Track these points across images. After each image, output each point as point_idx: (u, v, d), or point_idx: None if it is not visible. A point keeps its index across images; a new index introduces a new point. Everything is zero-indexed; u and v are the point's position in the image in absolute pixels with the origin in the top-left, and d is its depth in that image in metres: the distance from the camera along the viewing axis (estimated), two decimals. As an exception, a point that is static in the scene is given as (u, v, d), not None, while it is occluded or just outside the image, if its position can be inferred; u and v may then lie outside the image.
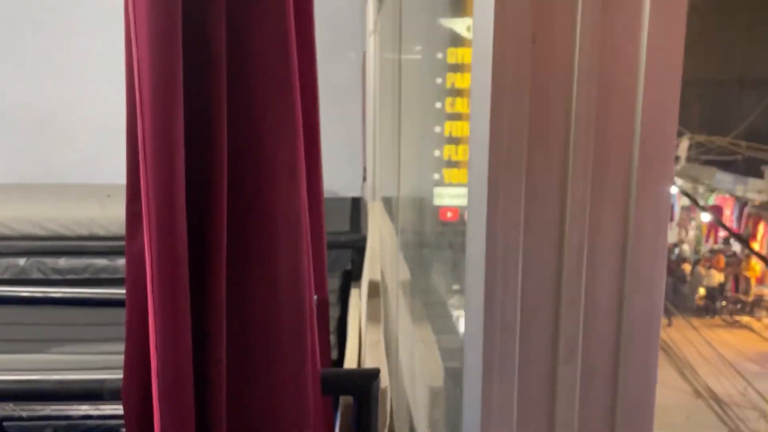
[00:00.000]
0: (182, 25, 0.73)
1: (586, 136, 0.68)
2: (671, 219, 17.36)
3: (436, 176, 5.10)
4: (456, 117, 4.94)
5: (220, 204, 0.83)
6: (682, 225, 17.30)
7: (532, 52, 0.66)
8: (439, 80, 4.78)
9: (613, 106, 0.68)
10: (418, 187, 4.39)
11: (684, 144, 9.86)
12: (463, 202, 5.32)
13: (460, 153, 5.08)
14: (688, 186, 16.99)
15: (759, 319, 14.07)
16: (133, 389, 0.83)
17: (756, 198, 14.79)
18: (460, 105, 4.92)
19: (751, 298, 14.34)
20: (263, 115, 0.87)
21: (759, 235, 14.54)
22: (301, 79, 0.95)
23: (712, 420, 5.69)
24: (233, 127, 0.84)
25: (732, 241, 15.86)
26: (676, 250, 16.92)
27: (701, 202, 16.45)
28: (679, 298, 14.21)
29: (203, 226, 0.81)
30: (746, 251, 14.90)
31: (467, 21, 4.68)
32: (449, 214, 5.18)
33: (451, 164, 5.10)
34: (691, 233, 17.22)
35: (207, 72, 0.81)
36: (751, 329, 13.40)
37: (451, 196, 5.15)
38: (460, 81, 4.80)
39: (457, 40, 4.67)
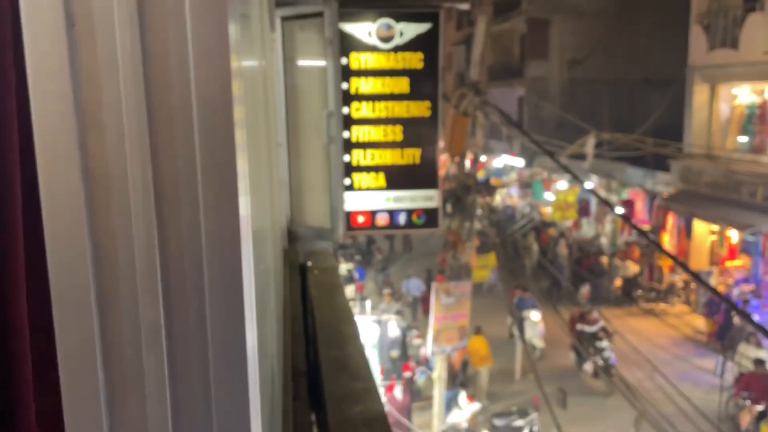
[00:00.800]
0: None
1: (138, 121, 0.70)
2: (588, 214, 18.12)
3: (347, 181, 5.08)
4: (363, 122, 4.94)
5: None
6: (599, 219, 18.10)
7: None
8: (344, 85, 4.76)
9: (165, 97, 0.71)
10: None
11: (591, 141, 10.30)
12: (375, 205, 5.30)
13: (372, 157, 5.08)
14: (602, 181, 17.82)
15: (672, 305, 14.90)
16: None
17: (664, 191, 15.67)
18: (367, 109, 4.91)
19: (664, 287, 15.16)
20: None
21: (668, 226, 15.42)
22: None
23: (623, 404, 5.97)
24: None
25: (647, 232, 16.72)
26: (596, 243, 17.69)
27: (615, 197, 17.29)
28: (600, 289, 14.84)
29: None
30: (659, 242, 15.74)
31: (367, 26, 4.67)
32: (361, 219, 5.17)
33: (361, 169, 5.09)
34: (608, 227, 18.04)
35: None
36: (664, 315, 14.16)
37: (362, 200, 5.13)
38: (365, 85, 4.80)
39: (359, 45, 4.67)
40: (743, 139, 14.46)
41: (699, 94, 15.33)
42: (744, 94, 14.66)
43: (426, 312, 13.66)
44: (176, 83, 0.72)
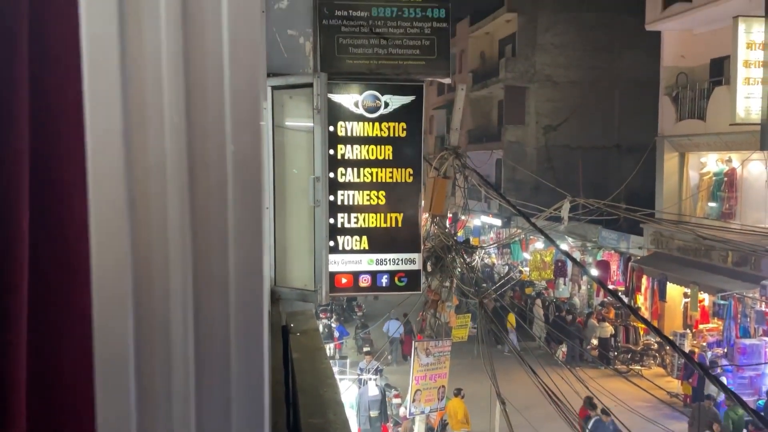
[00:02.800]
0: None
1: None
2: (564, 274, 18.39)
3: (332, 243, 5.22)
4: (348, 186, 5.13)
5: None
6: (575, 281, 18.37)
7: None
8: (331, 151, 4.98)
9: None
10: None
11: (566, 205, 10.62)
12: (358, 267, 5.43)
13: (356, 220, 5.25)
14: (578, 243, 18.19)
15: (648, 367, 15.02)
16: None
17: (637, 253, 16.05)
18: (352, 174, 5.12)
19: (639, 348, 15.31)
20: None
21: (642, 287, 15.71)
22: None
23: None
24: None
25: (621, 293, 16.98)
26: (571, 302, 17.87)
27: (590, 258, 17.63)
28: (575, 350, 14.92)
29: None
30: (633, 303, 15.98)
31: (354, 97, 4.93)
32: (344, 281, 5.29)
33: (346, 231, 5.25)
34: (584, 287, 18.30)
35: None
36: (640, 377, 14.22)
37: (345, 262, 5.27)
38: (351, 152, 5.02)
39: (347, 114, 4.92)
40: (712, 205, 15.00)
41: (669, 162, 15.96)
42: (712, 163, 15.31)
43: (406, 354, 13.99)
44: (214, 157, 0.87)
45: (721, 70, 14.79)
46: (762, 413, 10.32)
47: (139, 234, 0.85)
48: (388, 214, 5.25)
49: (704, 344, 13.48)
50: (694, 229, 11.10)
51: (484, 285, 16.85)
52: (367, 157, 5.09)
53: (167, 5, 0.85)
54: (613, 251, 17.11)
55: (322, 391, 3.07)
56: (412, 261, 5.42)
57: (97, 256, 0.81)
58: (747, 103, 12.63)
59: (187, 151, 0.87)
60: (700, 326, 14.45)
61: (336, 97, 4.97)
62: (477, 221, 24.81)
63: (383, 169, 5.12)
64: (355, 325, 17.06)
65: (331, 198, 5.00)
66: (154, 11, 0.84)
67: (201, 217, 0.88)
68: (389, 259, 5.36)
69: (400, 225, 5.29)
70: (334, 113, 4.94)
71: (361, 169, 5.11)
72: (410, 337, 14.13)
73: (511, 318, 14.78)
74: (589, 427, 9.82)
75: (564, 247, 17.22)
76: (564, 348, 14.23)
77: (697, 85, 15.23)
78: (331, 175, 4.93)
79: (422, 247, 5.69)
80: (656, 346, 15.27)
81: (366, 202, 5.13)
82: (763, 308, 12.42)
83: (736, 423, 10.36)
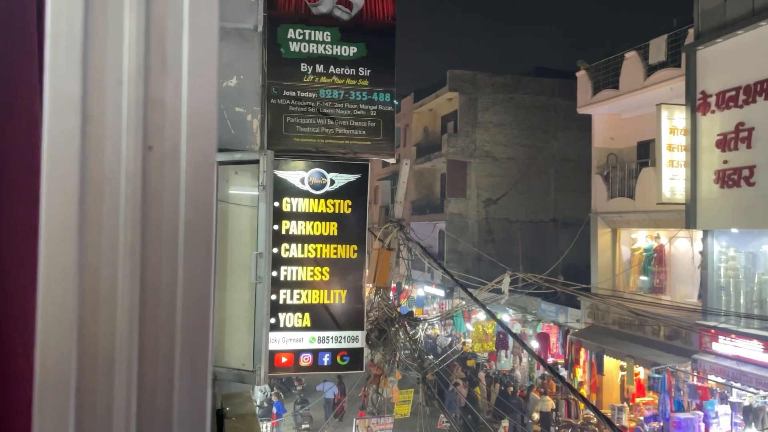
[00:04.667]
0: None
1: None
2: (506, 347, 18.49)
3: (273, 320, 5.09)
4: (292, 262, 5.08)
5: None
6: (516, 353, 18.49)
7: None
8: (276, 227, 4.94)
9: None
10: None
11: (506, 279, 10.84)
12: (299, 345, 5.30)
13: (299, 297, 5.16)
14: (518, 315, 18.45)
15: (588, 442, 15.03)
16: None
17: (575, 326, 16.39)
18: (296, 250, 5.08)
19: (579, 422, 15.36)
20: None
21: (581, 360, 15.96)
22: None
23: None
24: None
25: (560, 366, 17.16)
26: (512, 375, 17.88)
27: (530, 330, 17.88)
28: (518, 424, 14.83)
29: None
30: (572, 376, 16.16)
31: (300, 174, 4.96)
32: (284, 360, 5.13)
33: (288, 308, 5.15)
34: (525, 360, 18.42)
35: None
36: (582, 452, 14.19)
37: (286, 340, 5.14)
38: (296, 228, 5.00)
39: (290, 191, 4.93)
40: (644, 278, 15.62)
41: (602, 237, 16.65)
42: (642, 239, 16.06)
43: (338, 414, 14.20)
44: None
45: (647, 152, 15.79)
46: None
47: (86, 304, 0.83)
48: (332, 291, 5.21)
49: (641, 418, 13.66)
50: (626, 303, 11.49)
51: (429, 357, 16.73)
52: (311, 233, 5.09)
53: (129, 91, 0.86)
54: (552, 323, 17.42)
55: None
56: (355, 339, 5.35)
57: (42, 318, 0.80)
58: (672, 184, 13.45)
59: (141, 220, 0.86)
60: (637, 400, 14.69)
61: (282, 173, 4.99)
62: (420, 291, 24.88)
63: (327, 245, 5.12)
64: (294, 400, 16.46)
65: (274, 273, 4.92)
66: (117, 101, 0.85)
67: (151, 286, 0.86)
68: (332, 337, 5.28)
69: (343, 301, 5.25)
70: (280, 189, 4.95)
71: (306, 245, 5.09)
72: (342, 396, 15.28)
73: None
74: None
75: (505, 318, 17.42)
76: (506, 423, 14.13)
77: (626, 165, 16.16)
78: (275, 250, 4.88)
79: (365, 322, 5.63)
80: (596, 420, 15.35)
81: (309, 278, 5.08)
82: (695, 382, 12.78)
83: None
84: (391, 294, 13.56)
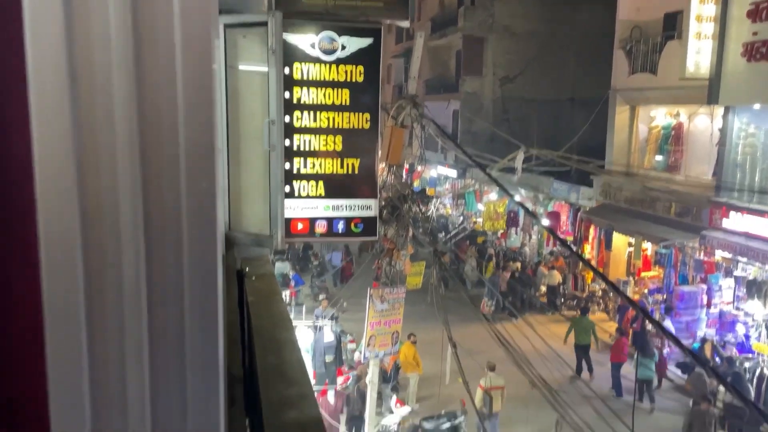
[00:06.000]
0: None
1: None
2: (516, 225, 18.82)
3: (287, 189, 5.17)
4: (304, 131, 5.06)
5: None
6: (526, 231, 18.84)
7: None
8: (287, 94, 4.87)
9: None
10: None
11: (520, 156, 10.77)
12: (314, 213, 5.42)
13: (312, 166, 5.20)
14: (530, 194, 18.58)
15: (593, 313, 15.68)
16: None
17: (586, 204, 16.52)
18: (308, 118, 5.04)
19: (585, 295, 15.95)
20: None
21: (590, 237, 16.26)
22: None
23: (545, 406, 6.32)
24: None
25: (570, 242, 17.53)
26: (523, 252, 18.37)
27: (541, 209, 18.07)
28: (517, 294, 15.41)
29: None
30: (580, 253, 16.55)
31: (311, 38, 4.81)
32: (300, 226, 5.27)
33: (301, 177, 5.20)
34: (534, 237, 18.80)
35: None
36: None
37: (301, 208, 5.24)
38: (307, 96, 4.93)
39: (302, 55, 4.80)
40: (659, 158, 15.48)
41: (620, 115, 16.29)
42: (660, 117, 15.71)
43: (346, 279, 15.67)
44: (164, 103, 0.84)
45: (674, 25, 15.00)
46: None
47: (88, 180, 0.82)
48: (345, 160, 5.22)
49: (645, 291, 14.14)
50: (641, 179, 11.46)
51: (440, 234, 17.13)
52: (323, 101, 5.01)
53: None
54: (563, 202, 17.56)
55: (278, 333, 3.09)
56: (369, 207, 5.43)
57: (41, 192, 0.79)
58: (697, 58, 12.92)
59: (136, 94, 0.84)
60: (642, 274, 15.11)
61: (292, 38, 4.83)
62: (433, 172, 24.96)
63: (340, 114, 5.06)
64: (311, 274, 17.16)
65: (287, 143, 4.92)
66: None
67: (152, 161, 0.85)
68: (345, 205, 5.36)
69: (356, 171, 5.27)
70: (290, 54, 4.82)
71: (318, 113, 5.03)
72: (350, 263, 16.72)
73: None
74: None
75: (517, 198, 17.56)
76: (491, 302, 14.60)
77: (650, 39, 15.44)
78: (287, 119, 4.84)
79: (379, 195, 5.70)
80: (600, 293, 15.93)
81: (322, 148, 5.07)
82: (701, 257, 13.05)
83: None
84: (403, 173, 13.63)
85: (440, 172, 24.92)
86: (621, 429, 5.84)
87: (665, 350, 11.86)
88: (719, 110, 13.00)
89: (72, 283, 0.81)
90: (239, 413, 2.56)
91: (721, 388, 9.96)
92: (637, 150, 16.05)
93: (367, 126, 5.15)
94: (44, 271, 0.79)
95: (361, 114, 5.06)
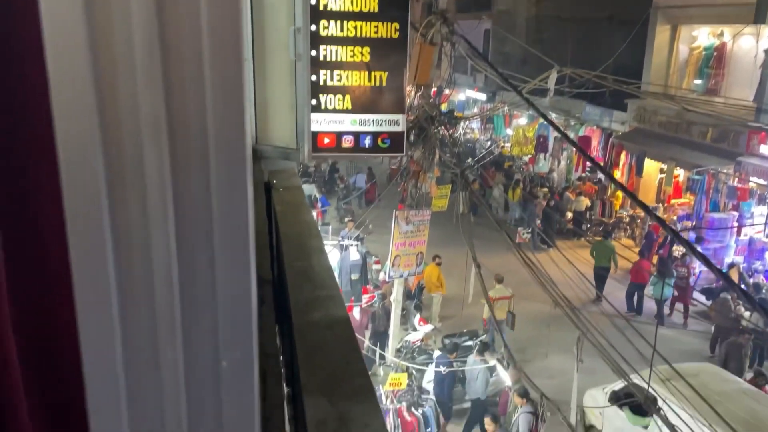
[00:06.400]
0: None
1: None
2: (545, 150, 18.51)
3: (313, 102, 5.10)
4: (331, 41, 4.92)
5: None
6: (555, 156, 18.52)
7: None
8: (313, 1, 4.71)
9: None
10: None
11: (553, 75, 10.42)
12: (341, 127, 5.37)
13: (339, 78, 5.09)
14: (561, 118, 18.13)
15: (619, 239, 15.61)
16: None
17: (619, 129, 16.09)
18: (335, 27, 4.89)
19: (612, 221, 15.83)
20: None
21: (620, 163, 15.93)
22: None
23: (568, 324, 6.41)
24: None
25: (601, 165, 17.25)
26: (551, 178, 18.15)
27: (572, 134, 17.66)
28: (552, 222, 15.39)
29: None
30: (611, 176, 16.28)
31: (338, -60, 4.58)
32: (326, 140, 5.24)
33: (328, 90, 5.11)
34: (563, 163, 18.50)
35: None
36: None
37: (327, 122, 5.18)
38: (334, 2, 4.77)
39: (329, -40, 4.60)
40: (698, 81, 14.85)
41: (660, 35, 15.54)
42: (703, 36, 14.94)
43: (369, 201, 15.93)
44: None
45: (723, -65, 14.00)
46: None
47: (107, 96, 0.79)
48: (373, 73, 5.10)
49: (674, 218, 13.95)
50: (680, 101, 11.05)
51: (468, 160, 16.96)
52: (350, 9, 4.84)
53: None
54: (595, 127, 17.12)
55: (305, 240, 3.13)
56: (396, 122, 5.35)
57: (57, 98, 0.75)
58: (747, -28, 12.11)
59: (156, 2, 0.78)
60: (672, 201, 14.87)
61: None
62: (461, 96, 24.43)
63: (368, 23, 4.89)
64: (337, 196, 17.28)
65: (313, 53, 4.80)
66: None
67: (175, 74, 0.81)
68: (373, 120, 5.29)
69: (384, 84, 5.16)
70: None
71: (345, 22, 4.88)
72: (374, 185, 16.76)
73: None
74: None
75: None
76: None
77: (698, -49, 14.47)
78: (313, 27, 4.70)
79: (406, 111, 5.60)
80: (627, 219, 15.78)
81: (350, 59, 4.95)
82: (735, 184, 12.74)
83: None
84: (432, 96, 13.34)
85: (469, 95, 24.37)
86: (642, 347, 5.91)
87: (691, 278, 11.82)
88: (766, 30, 12.30)
89: (94, 175, 0.79)
90: (268, 311, 2.64)
91: (746, 314, 9.97)
92: (676, 72, 15.40)
93: (395, 36, 4.98)
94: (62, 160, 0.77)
95: (389, 23, 4.89)
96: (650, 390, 5.47)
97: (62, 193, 0.77)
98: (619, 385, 7.31)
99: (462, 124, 19.20)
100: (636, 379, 5.77)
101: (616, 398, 7.45)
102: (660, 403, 5.67)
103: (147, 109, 0.79)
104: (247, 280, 0.92)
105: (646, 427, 7.21)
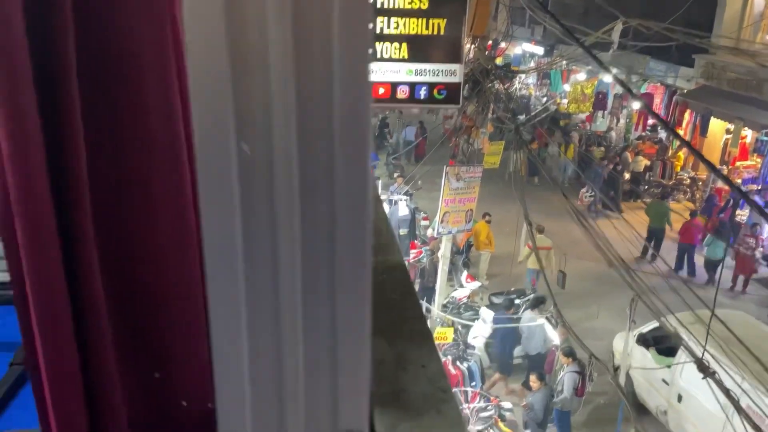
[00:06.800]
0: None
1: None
2: (604, 107, 17.83)
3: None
4: (389, -13, 4.79)
5: (83, 199, 0.90)
6: (614, 114, 17.83)
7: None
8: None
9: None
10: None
11: (618, 27, 9.91)
12: (396, 78, 5.27)
13: (396, 26, 4.97)
14: (622, 75, 17.34)
15: (678, 202, 15.06)
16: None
17: (685, 86, 15.29)
18: (393, -26, 4.76)
19: (671, 183, 15.24)
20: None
21: (684, 122, 15.21)
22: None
23: (621, 283, 6.28)
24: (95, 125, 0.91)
25: (659, 128, 16.53)
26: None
27: (634, 91, 16.88)
28: (618, 187, 14.90)
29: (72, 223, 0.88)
30: (672, 138, 15.61)
31: None
32: (381, 91, 5.16)
33: (384, 38, 5.00)
34: (622, 121, 17.81)
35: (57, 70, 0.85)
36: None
37: (383, 71, 5.10)
38: (393, -53, 4.64)
39: None
40: (775, 35, 13.91)
41: (735, -16, 14.55)
42: (783, -14, 13.91)
43: (419, 156, 15.58)
44: None
45: None
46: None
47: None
48: (430, 20, 4.97)
49: (739, 181, 13.32)
50: (754, 56, 10.38)
51: (521, 117, 16.52)
52: (410, -46, 4.70)
53: None
54: (658, 84, 16.33)
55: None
56: (453, 73, 5.24)
57: None
58: None
59: None
60: (738, 163, 14.18)
61: None
62: (518, 49, 23.64)
63: (427, -32, 4.75)
64: (386, 152, 17.21)
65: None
66: None
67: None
68: (429, 70, 5.18)
69: (442, 32, 5.03)
70: None
71: (403, -34, 4.74)
72: (424, 140, 16.19)
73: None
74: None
75: (608, 78, 16.47)
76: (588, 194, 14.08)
77: None
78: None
79: (463, 61, 5.44)
80: (688, 181, 15.17)
81: (407, 5, 4.83)
82: (808, 146, 12.03)
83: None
84: (487, 50, 12.93)
85: (525, 49, 23.57)
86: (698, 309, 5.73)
87: (758, 251, 11.30)
88: None
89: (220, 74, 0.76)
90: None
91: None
92: (750, 26, 14.43)
93: (455, -18, 4.83)
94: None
95: (449, -31, 4.74)
96: (704, 353, 5.33)
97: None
98: (646, 327, 8.05)
99: (518, 78, 18.64)
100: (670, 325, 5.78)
101: (644, 340, 8.17)
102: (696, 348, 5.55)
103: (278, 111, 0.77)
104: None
105: (669, 367, 7.68)
